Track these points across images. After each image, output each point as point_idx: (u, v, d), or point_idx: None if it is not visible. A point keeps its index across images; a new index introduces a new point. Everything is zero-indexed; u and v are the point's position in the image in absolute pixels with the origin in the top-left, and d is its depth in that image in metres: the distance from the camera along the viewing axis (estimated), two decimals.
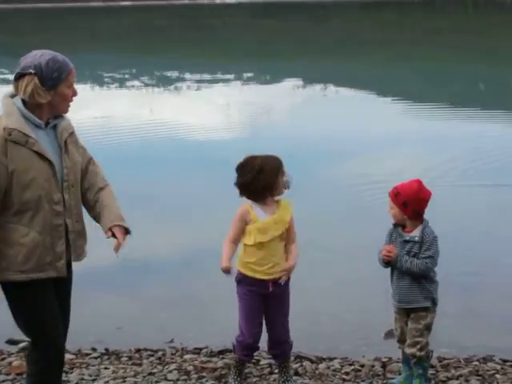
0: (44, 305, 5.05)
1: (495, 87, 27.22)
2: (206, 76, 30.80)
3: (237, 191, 6.07)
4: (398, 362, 6.99)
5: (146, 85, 30.35)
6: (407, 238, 6.22)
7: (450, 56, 33.98)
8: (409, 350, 6.25)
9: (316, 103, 24.54)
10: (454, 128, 19.40)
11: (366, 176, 13.78)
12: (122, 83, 30.33)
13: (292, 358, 7.23)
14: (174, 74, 32.85)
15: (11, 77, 5.23)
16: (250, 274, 5.99)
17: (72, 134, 5.18)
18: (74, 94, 5.05)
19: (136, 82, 30.54)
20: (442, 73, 29.82)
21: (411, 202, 6.19)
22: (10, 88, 5.00)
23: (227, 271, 5.87)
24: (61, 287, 5.20)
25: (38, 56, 4.92)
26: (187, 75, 31.63)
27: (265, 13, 52.82)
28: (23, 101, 4.91)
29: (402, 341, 6.38)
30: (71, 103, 5.08)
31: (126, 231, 5.21)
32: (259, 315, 6.13)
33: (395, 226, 6.34)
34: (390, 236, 6.37)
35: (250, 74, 32.25)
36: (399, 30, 44.92)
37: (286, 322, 6.24)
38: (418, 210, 6.22)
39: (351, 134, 17.83)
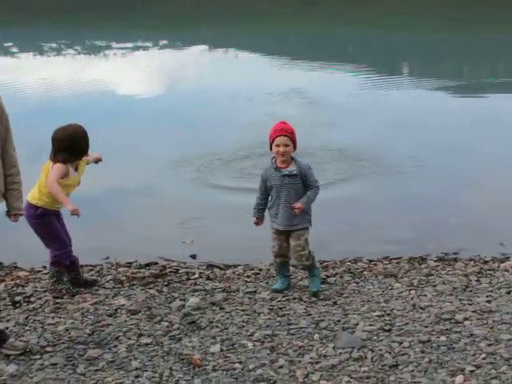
0: None
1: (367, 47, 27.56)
2: (129, 44, 30.21)
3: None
4: None
5: (79, 52, 29.67)
6: (286, 173, 6.23)
7: (332, 22, 34.28)
8: (298, 263, 6.36)
9: (219, 64, 24.42)
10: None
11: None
12: (58, 52, 29.54)
13: (205, 267, 7.38)
14: (102, 43, 32.12)
15: None
16: (52, 208, 6.31)
17: None
18: None
19: (70, 51, 29.79)
20: (323, 36, 29.97)
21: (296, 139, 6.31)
22: None
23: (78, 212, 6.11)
24: None
25: None
26: (113, 44, 30.97)
27: None
28: None
29: (280, 255, 6.44)
30: None
31: None
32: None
33: (272, 163, 6.31)
34: (266, 173, 6.33)
35: (165, 42, 31.76)
36: (288, 2, 44.62)
37: None
38: None
39: (241, 88, 17.82)
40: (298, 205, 6.20)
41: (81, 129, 6.30)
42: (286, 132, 6.21)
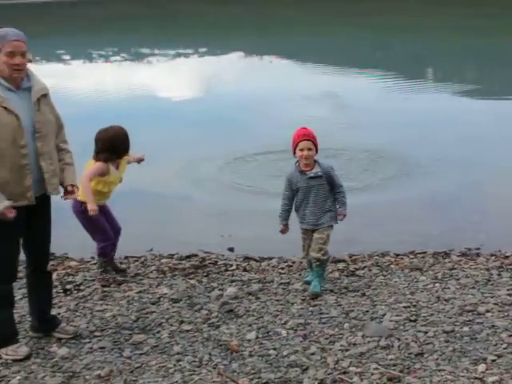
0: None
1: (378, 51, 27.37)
2: (171, 51, 30.45)
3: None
4: None
5: (125, 59, 29.92)
6: (311, 175, 6.18)
7: (348, 30, 34.20)
8: (315, 255, 6.20)
9: (254, 69, 24.47)
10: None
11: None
12: (106, 59, 29.86)
13: (241, 259, 7.38)
14: (146, 50, 32.40)
15: None
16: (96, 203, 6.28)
17: (46, 95, 5.00)
18: (17, 62, 4.76)
19: (117, 57, 30.08)
20: (352, 42, 29.93)
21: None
22: None
23: (95, 213, 6.21)
24: (37, 216, 5.10)
25: None
26: (156, 51, 31.23)
27: (218, 1, 51.75)
28: None
29: (308, 254, 6.36)
30: (20, 69, 4.78)
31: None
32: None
33: (296, 167, 6.25)
34: (291, 176, 6.26)
35: (204, 49, 31.92)
36: (314, 11, 44.56)
37: None
38: None
39: (276, 92, 17.79)
40: (340, 216, 6.23)
41: (122, 130, 6.34)
42: (308, 137, 6.16)
